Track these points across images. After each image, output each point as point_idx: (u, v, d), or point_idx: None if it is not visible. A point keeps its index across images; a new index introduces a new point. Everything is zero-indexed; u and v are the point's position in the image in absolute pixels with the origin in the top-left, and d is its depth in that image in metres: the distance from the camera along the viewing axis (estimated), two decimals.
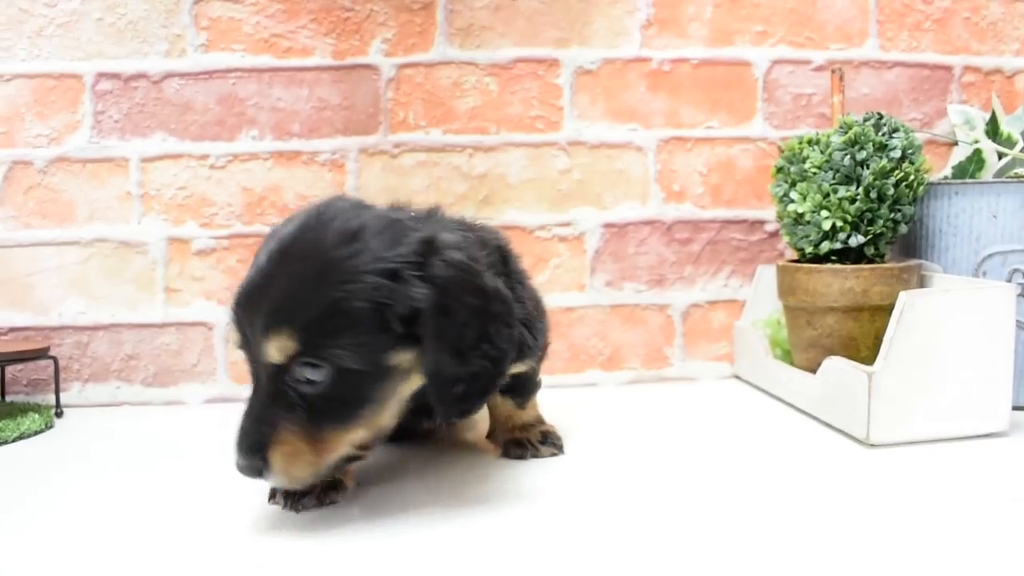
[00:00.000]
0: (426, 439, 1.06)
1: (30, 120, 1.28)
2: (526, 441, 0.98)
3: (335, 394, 0.74)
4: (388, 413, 0.79)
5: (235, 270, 1.30)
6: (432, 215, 0.86)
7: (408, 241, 0.76)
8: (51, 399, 1.28)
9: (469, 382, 0.77)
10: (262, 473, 0.74)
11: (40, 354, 1.21)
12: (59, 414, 1.23)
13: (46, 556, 0.72)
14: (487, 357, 0.77)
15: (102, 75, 1.29)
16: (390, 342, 0.75)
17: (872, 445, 0.99)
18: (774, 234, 1.39)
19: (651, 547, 0.71)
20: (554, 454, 0.98)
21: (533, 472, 0.92)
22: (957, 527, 0.74)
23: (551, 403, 0.84)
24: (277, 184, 1.31)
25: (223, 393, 1.31)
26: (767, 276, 1.34)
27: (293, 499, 0.82)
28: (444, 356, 0.75)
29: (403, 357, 0.76)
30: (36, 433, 1.14)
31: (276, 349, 0.73)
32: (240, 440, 0.74)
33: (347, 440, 0.77)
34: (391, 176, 1.32)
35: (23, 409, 1.19)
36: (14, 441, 1.10)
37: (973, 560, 0.68)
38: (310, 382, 0.73)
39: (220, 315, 1.30)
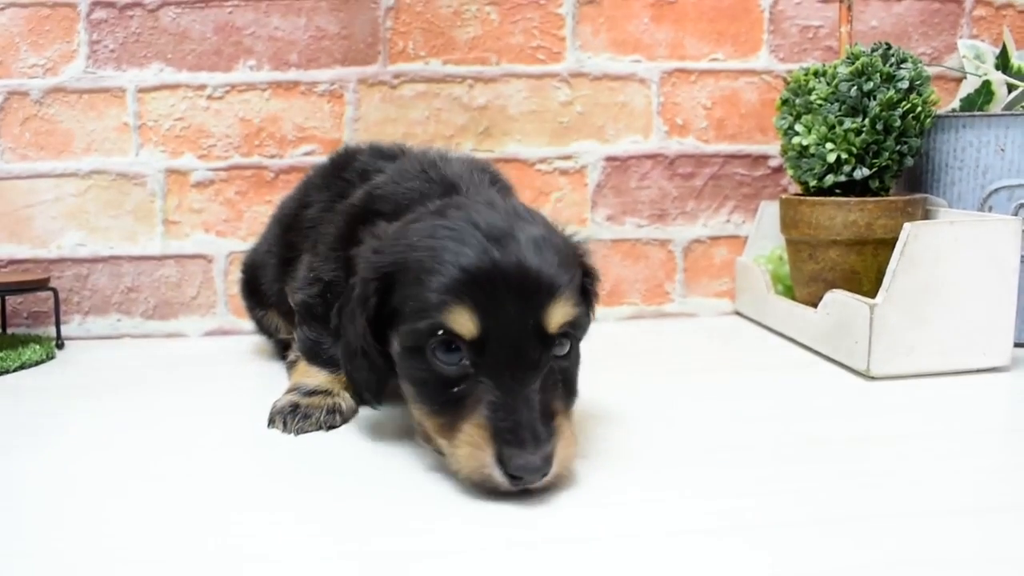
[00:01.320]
0: None
1: (25, 50, 1.26)
2: None
3: (573, 363, 0.74)
4: None
5: (233, 202, 1.29)
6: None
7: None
8: (52, 331, 1.28)
9: None
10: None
11: (40, 285, 1.20)
12: (60, 345, 1.23)
13: (45, 479, 0.73)
14: None
15: (96, 3, 1.26)
16: None
17: (872, 377, 0.99)
18: (778, 169, 1.37)
19: (647, 475, 0.72)
20: None
21: None
22: (953, 457, 0.74)
23: None
24: (275, 115, 1.29)
25: (223, 326, 1.31)
26: (770, 212, 1.33)
27: (294, 423, 0.82)
28: None
29: None
30: (37, 363, 1.14)
31: (560, 316, 0.68)
32: (532, 438, 0.64)
33: None
34: (390, 107, 1.30)
35: (24, 340, 1.19)
36: (15, 371, 1.10)
37: (967, 488, 0.68)
38: (562, 356, 0.71)
39: (219, 248, 1.30)
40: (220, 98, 1.29)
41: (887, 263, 0.99)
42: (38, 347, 1.16)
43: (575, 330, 0.72)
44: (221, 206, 1.30)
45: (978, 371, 1.01)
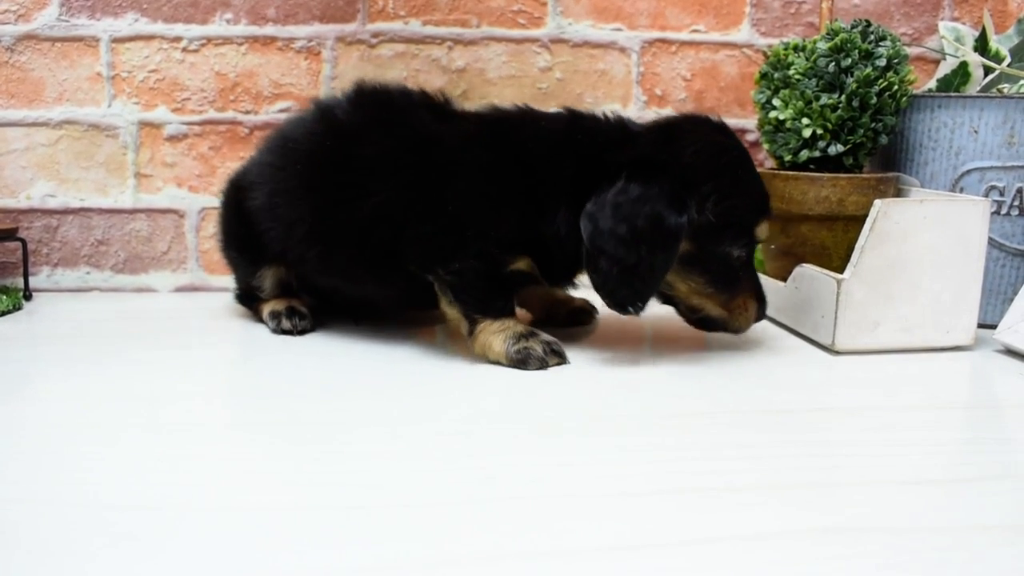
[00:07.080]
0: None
1: None
2: None
3: None
4: None
5: (207, 157, 1.28)
6: None
7: None
8: (20, 283, 1.26)
9: None
10: None
11: (8, 235, 1.19)
12: (28, 297, 1.22)
13: (6, 426, 0.73)
14: None
15: None
16: None
17: (837, 352, 1.00)
18: (755, 144, 1.37)
19: (606, 437, 0.72)
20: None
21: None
22: (912, 430, 0.75)
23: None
24: (251, 70, 1.28)
25: (193, 281, 1.30)
26: None
27: (553, 359, 0.93)
28: None
29: None
30: (4, 314, 1.14)
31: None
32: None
33: None
34: (368, 66, 1.29)
35: None
36: None
37: (924, 460, 0.69)
38: None
39: (191, 203, 1.29)
40: (195, 51, 1.27)
41: (857, 240, 1.00)
42: (5, 297, 1.15)
43: None
44: (194, 161, 1.28)
45: (941, 349, 1.02)
